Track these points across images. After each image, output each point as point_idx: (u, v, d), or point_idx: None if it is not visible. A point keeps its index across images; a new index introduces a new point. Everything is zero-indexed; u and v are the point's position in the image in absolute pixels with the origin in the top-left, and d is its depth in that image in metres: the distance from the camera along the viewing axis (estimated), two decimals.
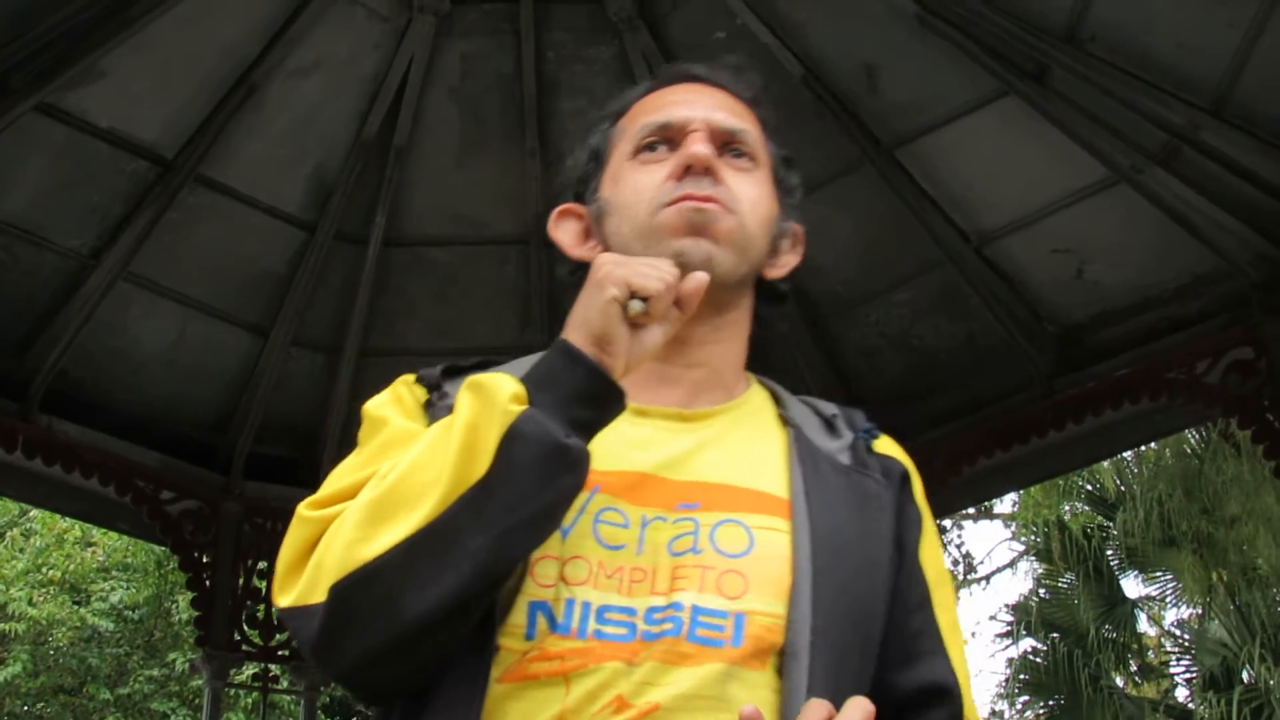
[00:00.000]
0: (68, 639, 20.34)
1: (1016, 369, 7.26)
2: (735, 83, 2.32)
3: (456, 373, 2.10)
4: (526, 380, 1.84)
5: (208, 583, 7.86)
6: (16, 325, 7.10)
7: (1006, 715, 22.99)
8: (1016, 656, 20.50)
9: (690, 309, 1.93)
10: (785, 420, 2.16)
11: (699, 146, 2.12)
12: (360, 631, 1.78)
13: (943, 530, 23.09)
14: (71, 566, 20.72)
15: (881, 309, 7.60)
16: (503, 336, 7.85)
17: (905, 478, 2.17)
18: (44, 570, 20.52)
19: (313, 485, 6.56)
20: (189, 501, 7.78)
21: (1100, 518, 20.13)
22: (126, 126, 6.81)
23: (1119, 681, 19.76)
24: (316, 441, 7.99)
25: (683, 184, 2.09)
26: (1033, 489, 19.25)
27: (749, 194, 2.14)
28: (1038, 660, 19.00)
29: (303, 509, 1.93)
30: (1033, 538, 21.85)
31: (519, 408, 1.79)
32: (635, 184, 2.15)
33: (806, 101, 6.87)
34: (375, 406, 2.12)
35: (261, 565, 8.04)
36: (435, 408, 2.06)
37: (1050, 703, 19.30)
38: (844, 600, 1.92)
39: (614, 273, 1.88)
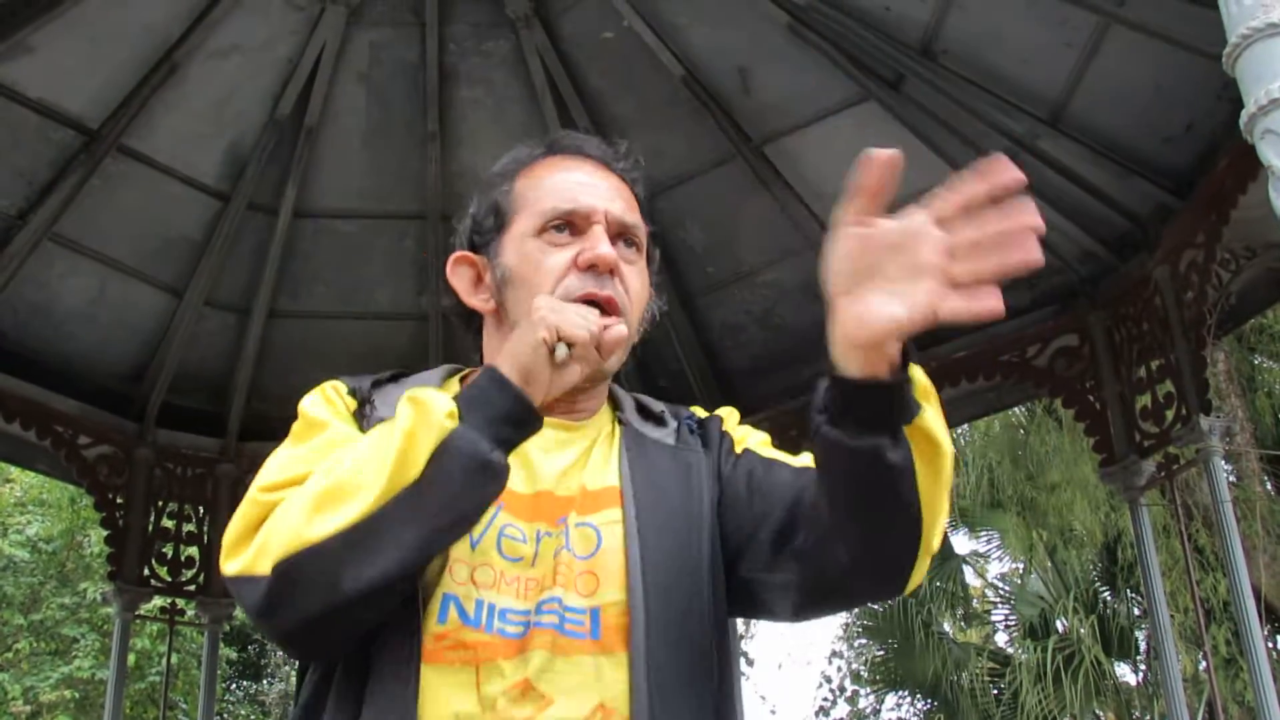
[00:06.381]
0: None
1: None
2: (623, 164, 2.34)
3: (379, 385, 2.22)
4: (460, 399, 1.92)
5: (120, 522, 7.82)
6: None
7: (845, 656, 23.34)
8: None
9: (608, 355, 2.04)
10: (620, 421, 2.28)
11: (605, 247, 2.16)
12: (300, 602, 1.87)
13: None
14: None
15: (747, 289, 7.70)
16: (400, 303, 7.93)
17: (719, 422, 2.31)
18: None
19: (220, 434, 6.58)
20: (104, 447, 7.76)
21: None
22: (54, 98, 6.71)
23: (947, 627, 20.19)
24: (224, 394, 8.00)
25: (586, 278, 2.13)
26: None
27: (637, 290, 2.21)
28: (874, 607, 19.24)
29: (254, 492, 1.97)
30: None
31: (452, 424, 1.88)
32: (540, 264, 2.17)
33: (685, 99, 6.91)
34: (311, 407, 2.15)
35: (171, 506, 8.01)
36: (368, 419, 2.14)
37: (886, 646, 19.63)
38: (670, 563, 2.04)
39: (547, 318, 1.95)
